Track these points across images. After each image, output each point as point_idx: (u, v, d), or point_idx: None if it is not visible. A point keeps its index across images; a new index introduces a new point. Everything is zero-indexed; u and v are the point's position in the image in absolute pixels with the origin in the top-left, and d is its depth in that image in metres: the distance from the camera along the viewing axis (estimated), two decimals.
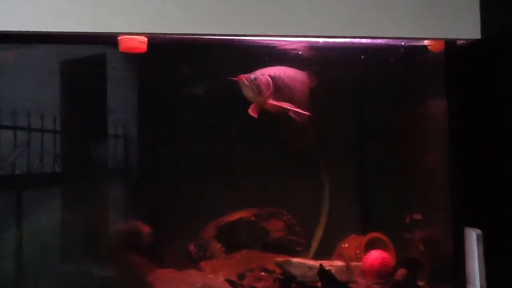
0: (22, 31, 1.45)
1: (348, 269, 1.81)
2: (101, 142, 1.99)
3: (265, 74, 1.75)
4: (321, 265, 1.77)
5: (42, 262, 1.85)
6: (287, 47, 1.77)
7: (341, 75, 1.97)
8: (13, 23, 1.44)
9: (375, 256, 1.86)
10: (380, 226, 1.99)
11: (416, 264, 1.82)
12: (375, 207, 2.11)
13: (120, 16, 1.49)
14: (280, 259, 1.84)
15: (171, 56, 1.88)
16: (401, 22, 1.60)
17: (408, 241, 1.89)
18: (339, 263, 1.84)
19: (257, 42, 1.65)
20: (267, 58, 1.77)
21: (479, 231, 1.61)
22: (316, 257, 1.97)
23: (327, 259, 1.89)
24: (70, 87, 1.94)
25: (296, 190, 2.04)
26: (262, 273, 1.84)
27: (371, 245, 1.94)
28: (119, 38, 1.58)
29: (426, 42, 1.74)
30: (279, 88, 1.78)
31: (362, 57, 1.86)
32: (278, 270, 1.83)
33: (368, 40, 1.69)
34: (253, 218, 2.00)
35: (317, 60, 1.86)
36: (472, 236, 1.62)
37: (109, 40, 1.60)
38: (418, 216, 1.86)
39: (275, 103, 1.76)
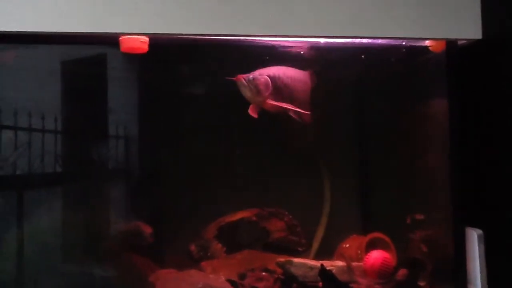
0: (22, 31, 1.46)
1: (349, 269, 1.81)
2: (102, 142, 1.99)
3: (264, 74, 1.75)
4: (322, 265, 1.77)
5: (43, 263, 1.85)
6: (288, 47, 1.76)
7: (342, 75, 1.97)
8: (13, 23, 1.44)
9: (376, 256, 1.86)
10: (381, 226, 1.99)
11: (417, 264, 1.82)
12: (376, 207, 2.11)
13: (120, 16, 1.49)
14: (281, 259, 1.84)
15: (171, 56, 1.88)
16: (402, 22, 1.60)
17: (409, 241, 1.89)
18: (340, 263, 1.84)
19: (257, 42, 1.65)
20: (267, 58, 1.77)
21: (480, 231, 1.61)
22: (317, 257, 1.96)
23: (328, 259, 1.88)
24: (70, 87, 1.94)
25: (297, 190, 2.03)
26: (263, 273, 1.84)
27: (372, 245, 1.93)
28: (120, 38, 1.58)
29: (427, 43, 1.74)
30: (279, 88, 1.77)
31: (363, 57, 1.86)
32: (279, 270, 1.83)
33: (369, 40, 1.69)
34: (254, 218, 2.00)
35: (318, 60, 1.86)
36: (473, 236, 1.62)
37: (110, 40, 1.59)
38: (420, 216, 1.86)
39: (274, 103, 1.76)
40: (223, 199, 1.99)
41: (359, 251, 1.94)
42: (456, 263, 1.65)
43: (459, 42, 1.66)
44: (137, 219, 1.94)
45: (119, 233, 1.98)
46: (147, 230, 1.91)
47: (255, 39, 1.63)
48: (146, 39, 1.60)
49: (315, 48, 1.78)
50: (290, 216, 2.03)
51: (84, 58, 1.89)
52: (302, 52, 1.81)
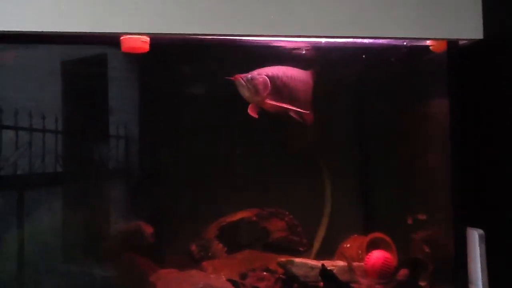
0: (22, 31, 1.46)
1: (350, 269, 1.81)
2: (103, 142, 1.99)
3: (263, 73, 1.75)
4: (323, 265, 1.77)
5: (43, 263, 1.85)
6: (288, 47, 1.76)
7: (343, 75, 1.97)
8: (13, 23, 1.44)
9: (377, 256, 1.86)
10: (382, 226, 1.99)
11: (418, 264, 1.82)
12: (377, 207, 2.11)
13: (121, 16, 1.49)
14: (282, 259, 1.84)
15: (172, 56, 1.88)
16: (403, 22, 1.59)
17: (410, 241, 1.89)
18: (341, 263, 1.84)
19: (257, 42, 1.65)
20: (267, 58, 1.77)
21: (481, 231, 1.61)
22: (318, 257, 1.97)
23: (329, 259, 1.88)
24: (71, 87, 1.94)
25: (297, 190, 2.03)
26: (264, 273, 1.84)
27: (373, 245, 1.93)
28: (121, 38, 1.58)
29: (428, 43, 1.73)
30: (278, 88, 1.77)
31: (364, 56, 1.86)
32: (280, 270, 1.83)
33: (370, 40, 1.69)
34: (254, 218, 2.00)
35: (319, 60, 1.85)
36: (474, 236, 1.61)
37: (110, 40, 1.60)
38: (422, 217, 1.86)
39: (274, 103, 1.75)
40: (223, 199, 1.99)
41: (360, 251, 1.94)
42: (457, 263, 1.65)
43: (460, 42, 1.66)
44: (138, 219, 1.94)
45: (120, 233, 1.98)
46: (148, 230, 1.91)
47: (255, 39, 1.63)
48: (147, 38, 1.60)
49: (316, 48, 1.78)
50: (291, 216, 2.03)
51: (85, 58, 1.89)
52: (303, 52, 1.81)
